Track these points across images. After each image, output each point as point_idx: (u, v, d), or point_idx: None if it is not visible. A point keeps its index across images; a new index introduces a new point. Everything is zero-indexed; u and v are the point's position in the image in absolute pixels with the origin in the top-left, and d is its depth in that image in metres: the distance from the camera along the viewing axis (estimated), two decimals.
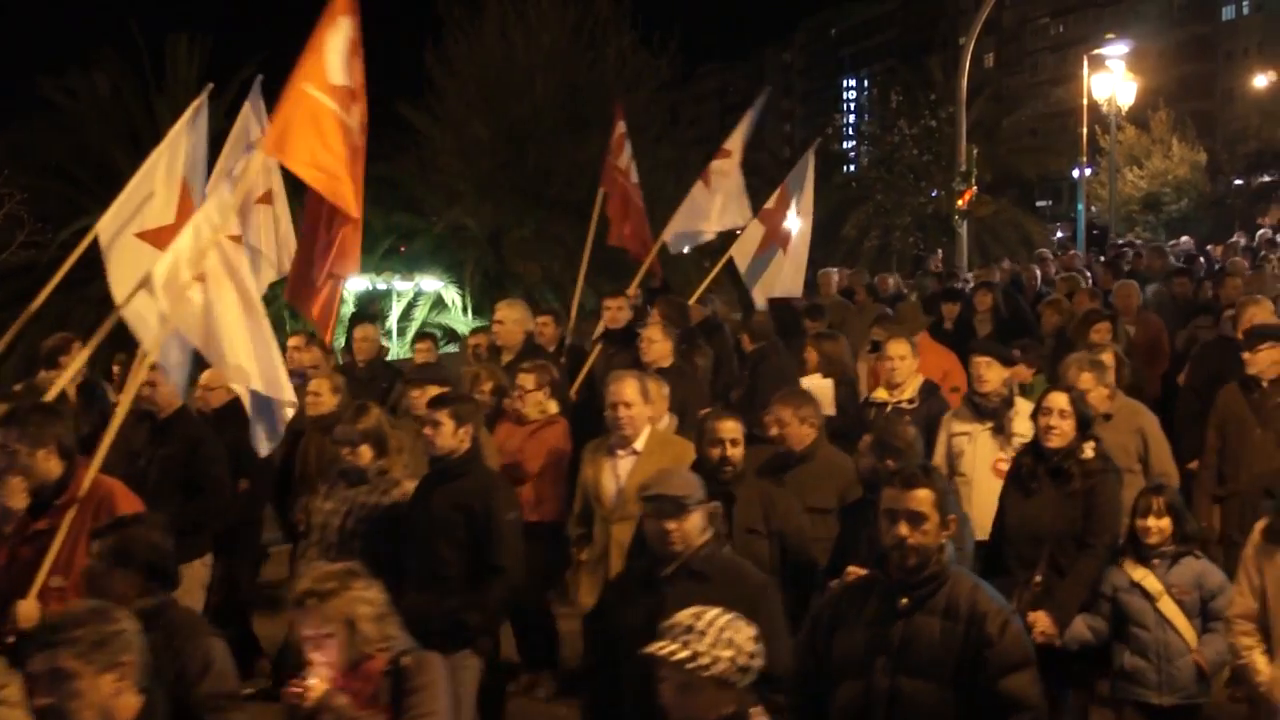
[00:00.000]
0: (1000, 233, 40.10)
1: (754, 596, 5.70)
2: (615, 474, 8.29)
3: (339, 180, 8.06)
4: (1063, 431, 7.64)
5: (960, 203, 27.09)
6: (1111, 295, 14.80)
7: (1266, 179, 61.91)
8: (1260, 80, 71.35)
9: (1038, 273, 21.17)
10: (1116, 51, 43.18)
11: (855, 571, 6.22)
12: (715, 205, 13.73)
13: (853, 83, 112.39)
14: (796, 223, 13.30)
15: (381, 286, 28.46)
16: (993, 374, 9.20)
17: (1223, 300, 14.22)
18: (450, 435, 7.61)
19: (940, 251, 31.35)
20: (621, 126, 14.45)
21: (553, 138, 29.20)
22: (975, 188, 27.07)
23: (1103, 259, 25.03)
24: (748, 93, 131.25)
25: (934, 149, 41.50)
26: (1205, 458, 9.61)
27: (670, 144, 32.00)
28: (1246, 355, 9.44)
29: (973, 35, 28.94)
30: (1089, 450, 7.65)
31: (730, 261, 13.70)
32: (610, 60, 29.74)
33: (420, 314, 27.40)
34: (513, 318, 11.75)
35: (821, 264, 31.20)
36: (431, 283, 28.42)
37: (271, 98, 8.65)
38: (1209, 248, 28.96)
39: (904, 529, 5.21)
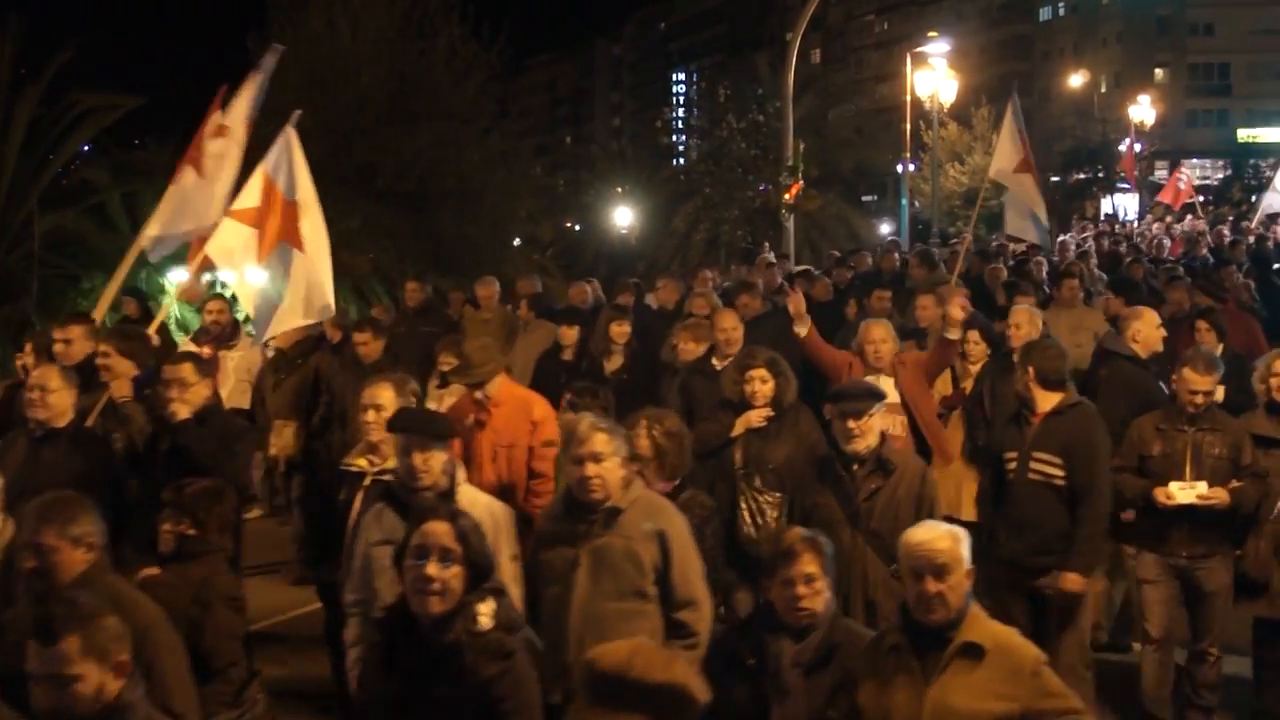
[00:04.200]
0: (827, 227, 40.71)
1: None
2: None
3: None
4: (446, 586, 4.39)
5: (787, 196, 27.33)
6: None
7: (1081, 176, 63.95)
8: (1075, 80, 73.75)
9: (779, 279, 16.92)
10: (938, 49, 44.18)
11: None
12: (214, 195, 10.32)
13: (682, 77, 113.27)
14: (301, 215, 9.94)
15: (205, 278, 27.74)
16: (426, 461, 5.92)
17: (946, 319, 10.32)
18: None
19: (768, 244, 31.65)
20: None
21: (380, 128, 28.82)
22: (802, 182, 27.34)
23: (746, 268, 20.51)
24: (578, 84, 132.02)
25: (762, 143, 41.91)
26: None
27: (500, 135, 31.91)
28: (852, 423, 6.80)
29: (799, 31, 29.19)
30: (484, 616, 4.38)
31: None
32: (439, 51, 29.45)
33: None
34: (80, 335, 9.03)
35: (652, 257, 31.42)
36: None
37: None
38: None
39: None
